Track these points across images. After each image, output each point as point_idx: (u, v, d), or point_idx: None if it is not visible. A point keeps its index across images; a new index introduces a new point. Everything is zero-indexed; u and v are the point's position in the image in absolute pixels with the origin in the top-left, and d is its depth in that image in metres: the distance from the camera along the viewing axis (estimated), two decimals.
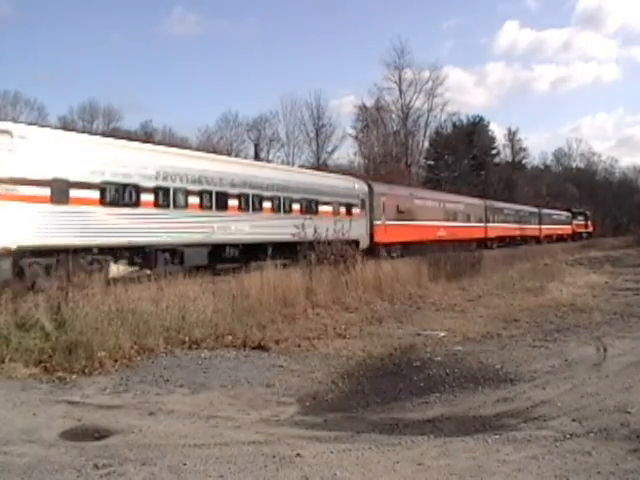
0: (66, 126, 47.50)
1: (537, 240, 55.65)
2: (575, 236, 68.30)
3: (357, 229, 26.56)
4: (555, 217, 66.28)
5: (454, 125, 77.17)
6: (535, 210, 60.05)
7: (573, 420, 5.66)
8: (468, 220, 42.83)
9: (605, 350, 8.86)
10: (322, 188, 26.02)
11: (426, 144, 74.35)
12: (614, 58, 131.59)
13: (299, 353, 8.86)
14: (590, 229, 75.94)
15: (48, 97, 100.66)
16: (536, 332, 10.47)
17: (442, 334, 10.28)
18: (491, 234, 45.91)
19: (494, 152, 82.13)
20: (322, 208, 25.42)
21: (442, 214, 38.49)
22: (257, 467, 4.62)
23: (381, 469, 4.60)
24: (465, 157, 74.69)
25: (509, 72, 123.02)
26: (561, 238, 63.18)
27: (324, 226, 22.32)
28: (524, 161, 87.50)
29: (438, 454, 4.90)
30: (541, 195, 75.75)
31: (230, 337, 9.41)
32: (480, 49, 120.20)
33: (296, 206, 23.86)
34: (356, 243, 24.64)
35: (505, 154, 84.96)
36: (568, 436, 5.20)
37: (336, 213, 25.96)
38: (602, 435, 5.23)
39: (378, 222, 29.87)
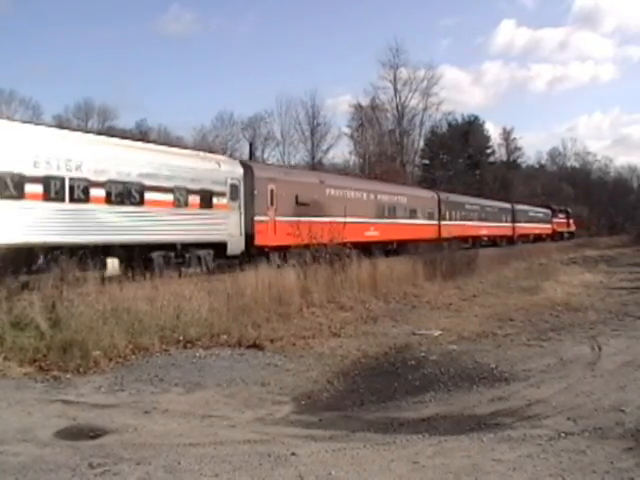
0: (61, 125, 47.32)
1: (510, 241, 49.81)
2: (556, 236, 61.71)
3: (222, 227, 20.26)
4: (532, 214, 59.07)
5: (449, 124, 77.54)
6: (507, 206, 53.39)
7: (568, 419, 5.67)
8: (413, 216, 35.31)
9: (600, 349, 8.88)
10: (152, 168, 17.89)
11: (421, 143, 74.68)
12: (611, 58, 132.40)
13: (294, 352, 8.85)
14: (573, 228, 69.41)
15: (43, 96, 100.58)
16: (531, 331, 10.49)
17: (437, 333, 10.29)
18: (447, 233, 36.35)
19: (489, 151, 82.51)
20: (152, 196, 17.78)
21: (373, 209, 30.79)
22: (252, 466, 4.62)
23: (376, 468, 4.60)
24: (460, 156, 74.87)
25: (506, 71, 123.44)
26: (539, 238, 56.93)
27: (155, 222, 17.71)
28: (519, 160, 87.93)
29: (433, 453, 4.90)
30: (536, 194, 75.71)
31: (225, 336, 9.41)
32: (477, 48, 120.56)
33: (97, 192, 16.20)
34: (221, 246, 20.08)
35: (500, 153, 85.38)
36: (563, 435, 5.21)
37: (180, 204, 18.73)
38: (597, 434, 5.24)
39: (263, 218, 22.51)
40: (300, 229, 18.11)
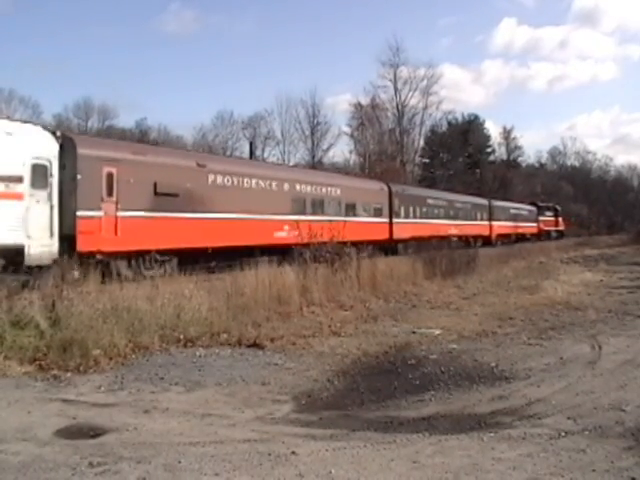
0: (61, 124, 47.31)
1: (486, 241, 41.76)
2: (542, 235, 57.34)
3: (14, 226, 14.29)
4: (513, 212, 53.62)
5: (449, 123, 77.75)
6: (483, 202, 47.86)
7: (568, 418, 5.66)
8: (351, 213, 28.51)
9: (600, 348, 8.87)
10: None
11: (421, 142, 74.80)
12: (611, 56, 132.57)
13: (294, 351, 8.85)
14: (562, 227, 64.89)
15: (43, 95, 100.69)
16: (531, 330, 10.48)
17: (437, 332, 10.28)
18: (401, 234, 31.71)
19: (489, 150, 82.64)
20: None
21: (287, 203, 24.37)
22: (252, 465, 4.61)
23: (376, 467, 4.59)
24: (460, 155, 75.06)
25: (506, 70, 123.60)
26: (523, 238, 51.81)
27: None
28: (519, 159, 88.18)
29: (433, 452, 4.90)
30: (536, 193, 75.67)
31: (225, 335, 9.41)
32: (477, 47, 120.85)
33: None
34: (16, 253, 14.04)
35: (500, 152, 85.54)
36: (563, 434, 5.21)
37: None
38: (597, 433, 5.24)
39: (93, 213, 16.29)
40: (162, 228, 14.60)
